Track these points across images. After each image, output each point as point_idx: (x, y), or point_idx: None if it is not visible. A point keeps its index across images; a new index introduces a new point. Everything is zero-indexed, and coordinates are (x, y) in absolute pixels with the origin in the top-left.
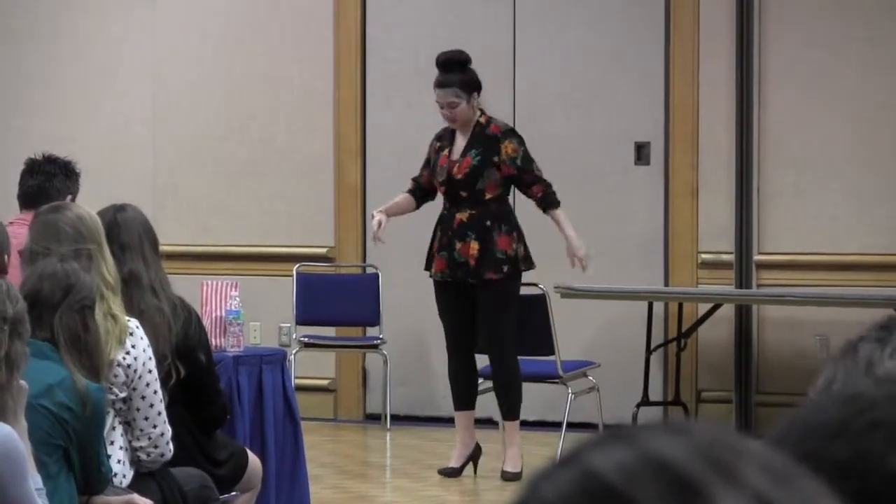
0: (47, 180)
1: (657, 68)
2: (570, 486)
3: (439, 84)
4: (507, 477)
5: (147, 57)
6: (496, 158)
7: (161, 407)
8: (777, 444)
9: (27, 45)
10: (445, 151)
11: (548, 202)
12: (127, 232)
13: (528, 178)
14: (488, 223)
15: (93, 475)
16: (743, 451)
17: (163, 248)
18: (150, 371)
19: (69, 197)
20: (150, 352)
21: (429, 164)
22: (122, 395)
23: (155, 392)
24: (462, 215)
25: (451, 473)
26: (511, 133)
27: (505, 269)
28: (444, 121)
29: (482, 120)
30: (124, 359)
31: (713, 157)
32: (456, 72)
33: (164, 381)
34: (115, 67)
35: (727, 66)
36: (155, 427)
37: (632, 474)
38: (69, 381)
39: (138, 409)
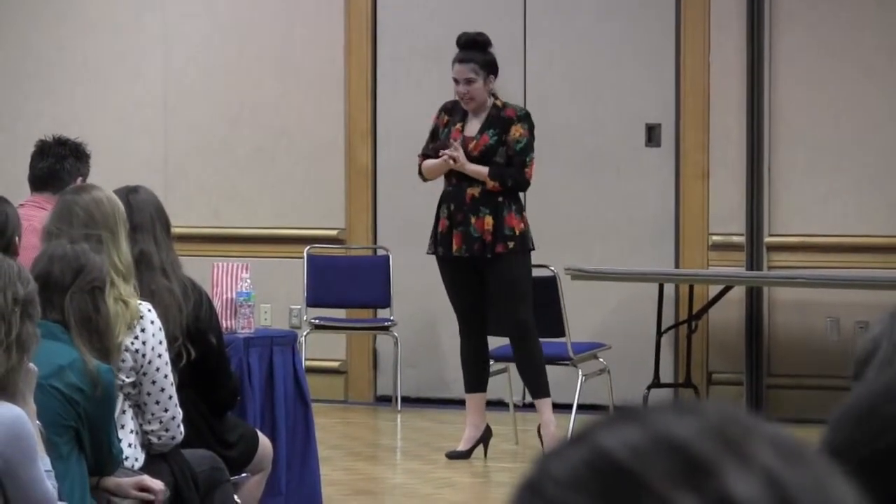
0: (58, 162)
1: (668, 50)
2: (580, 465)
3: (459, 60)
4: None
5: (158, 40)
6: (507, 138)
7: (172, 391)
8: (842, 440)
9: (37, 28)
10: (458, 126)
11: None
12: (139, 213)
13: (512, 166)
14: (500, 199)
15: (104, 456)
16: (753, 430)
17: (174, 230)
18: (160, 355)
19: (80, 179)
20: (161, 335)
21: (436, 135)
22: (130, 379)
23: (166, 376)
24: (473, 190)
25: (459, 456)
26: (525, 118)
27: (511, 245)
28: (459, 100)
29: (498, 103)
30: (132, 344)
31: (724, 138)
32: (477, 51)
33: (175, 362)
34: (126, 51)
35: (738, 48)
36: (166, 411)
37: (642, 453)
38: (80, 362)
39: (149, 394)
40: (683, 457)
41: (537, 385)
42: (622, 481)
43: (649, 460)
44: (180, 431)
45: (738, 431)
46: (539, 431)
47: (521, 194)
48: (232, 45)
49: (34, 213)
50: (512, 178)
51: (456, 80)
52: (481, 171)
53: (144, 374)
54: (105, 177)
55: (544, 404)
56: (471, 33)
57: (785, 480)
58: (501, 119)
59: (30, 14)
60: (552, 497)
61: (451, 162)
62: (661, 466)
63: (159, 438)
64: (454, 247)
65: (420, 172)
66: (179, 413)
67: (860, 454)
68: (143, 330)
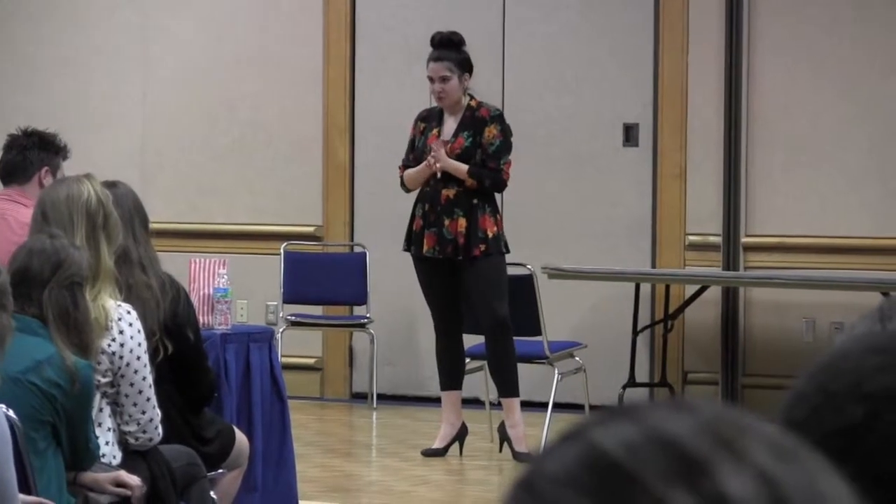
0: (20, 153)
1: (646, 49)
2: (574, 463)
3: (434, 58)
4: (521, 458)
5: (137, 35)
6: (481, 140)
7: (150, 392)
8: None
9: (16, 22)
10: (434, 132)
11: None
12: (117, 208)
13: (487, 168)
14: (475, 201)
15: (80, 452)
16: (748, 429)
17: (151, 225)
18: (138, 358)
19: (45, 169)
20: (140, 338)
21: (414, 145)
22: (105, 380)
23: (144, 378)
24: (449, 192)
25: (435, 454)
26: (498, 119)
27: (482, 247)
28: (434, 98)
29: (473, 103)
30: (109, 346)
31: (701, 138)
32: (451, 50)
33: (152, 357)
34: (105, 46)
35: (716, 48)
36: (144, 413)
37: (636, 451)
38: (57, 357)
39: (127, 396)
40: (678, 455)
41: (508, 384)
42: (616, 479)
43: (644, 458)
44: (158, 433)
45: (733, 430)
46: (501, 429)
47: (496, 195)
48: (210, 40)
49: (5, 207)
50: (489, 178)
51: (431, 79)
52: (461, 167)
53: (122, 376)
54: (82, 171)
55: (513, 403)
56: (445, 32)
57: (779, 479)
58: (476, 119)
59: (8, 8)
60: (546, 495)
61: (433, 164)
62: (656, 464)
63: (136, 440)
64: (425, 247)
65: (402, 184)
66: (158, 415)
67: (813, 435)
68: (120, 332)
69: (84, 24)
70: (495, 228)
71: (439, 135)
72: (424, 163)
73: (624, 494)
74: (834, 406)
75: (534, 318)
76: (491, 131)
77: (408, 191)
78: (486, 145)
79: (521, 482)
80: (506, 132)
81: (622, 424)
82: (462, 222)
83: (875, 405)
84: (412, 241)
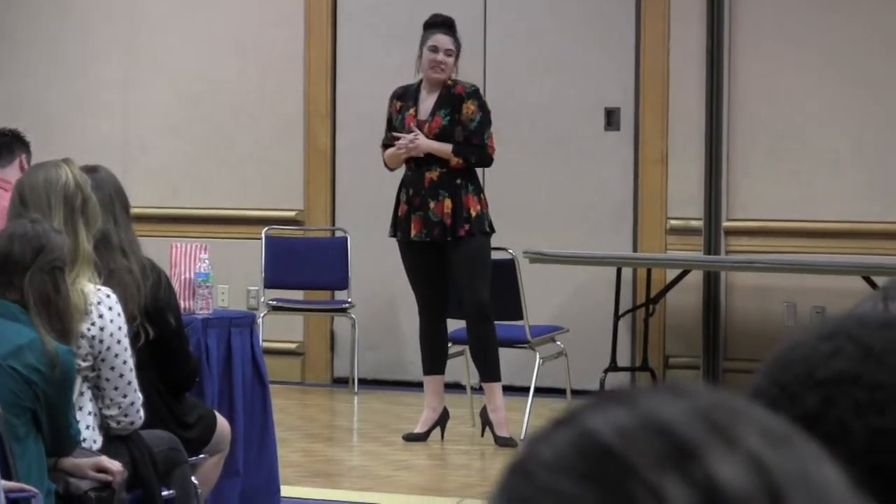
0: (1, 137)
1: (628, 33)
2: (566, 447)
3: (442, 32)
4: (502, 442)
5: (118, 20)
6: (459, 117)
7: (132, 376)
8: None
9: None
10: (411, 111)
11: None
12: (98, 193)
13: (471, 144)
14: (459, 181)
15: (61, 437)
16: (741, 415)
17: (132, 210)
18: (119, 341)
19: (24, 156)
20: (120, 321)
21: (391, 124)
22: (86, 364)
23: (125, 362)
24: (432, 174)
25: (416, 439)
26: (475, 94)
27: (466, 227)
28: (423, 69)
29: (449, 82)
30: (89, 330)
31: (683, 123)
32: (452, 29)
33: (133, 342)
34: (87, 30)
35: (698, 32)
36: (125, 396)
37: (628, 436)
38: (38, 342)
39: (108, 379)
40: (670, 440)
41: (490, 368)
42: (609, 464)
43: (636, 443)
44: (140, 416)
45: (726, 416)
46: (483, 413)
47: (479, 176)
48: (192, 24)
49: None
50: (475, 155)
51: (434, 49)
52: (444, 148)
53: (103, 360)
54: (63, 156)
55: (494, 388)
56: (443, 15)
57: (771, 465)
58: (452, 97)
59: None
60: (538, 480)
61: (410, 146)
62: (648, 449)
63: (118, 423)
64: (413, 231)
65: (385, 164)
66: (139, 398)
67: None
68: (100, 316)
69: (65, 7)
70: (479, 207)
71: (416, 114)
72: (397, 147)
73: (616, 480)
74: (789, 396)
75: (515, 302)
76: (469, 108)
77: (391, 170)
78: (465, 122)
79: (514, 467)
80: (483, 107)
81: (615, 409)
82: (448, 203)
83: (828, 391)
84: (398, 227)
